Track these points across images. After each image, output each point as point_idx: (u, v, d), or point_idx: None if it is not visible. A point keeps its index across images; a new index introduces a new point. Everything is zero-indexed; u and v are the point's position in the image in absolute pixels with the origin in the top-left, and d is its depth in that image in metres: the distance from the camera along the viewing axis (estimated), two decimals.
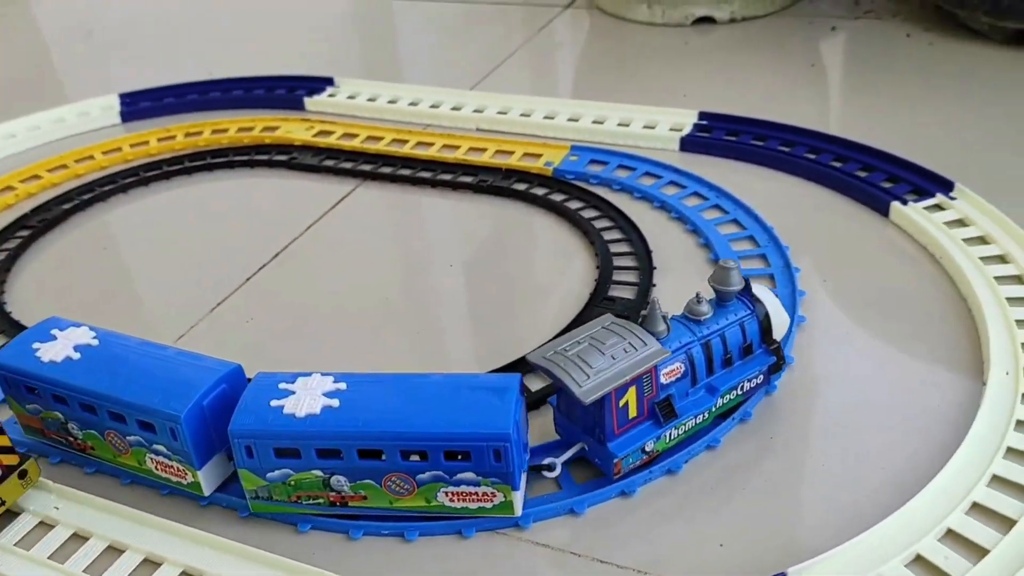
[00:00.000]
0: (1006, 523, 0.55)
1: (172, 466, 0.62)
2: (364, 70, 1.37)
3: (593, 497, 0.61)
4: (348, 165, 1.07)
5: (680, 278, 0.81)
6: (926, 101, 1.06)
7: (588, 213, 0.92)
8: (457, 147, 1.06)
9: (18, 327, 0.83)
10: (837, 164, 0.94)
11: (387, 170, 1.05)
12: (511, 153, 1.04)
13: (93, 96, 1.28)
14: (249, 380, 0.62)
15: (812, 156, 0.96)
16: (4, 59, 1.59)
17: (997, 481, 0.58)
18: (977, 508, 0.56)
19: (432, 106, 1.17)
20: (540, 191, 0.97)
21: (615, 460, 0.59)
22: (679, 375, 0.61)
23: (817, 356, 0.71)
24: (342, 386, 0.59)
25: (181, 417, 0.59)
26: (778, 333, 0.65)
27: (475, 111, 1.14)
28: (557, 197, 0.96)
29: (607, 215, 0.91)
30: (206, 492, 0.63)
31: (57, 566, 0.60)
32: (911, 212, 0.84)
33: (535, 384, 0.70)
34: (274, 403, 0.58)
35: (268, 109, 1.23)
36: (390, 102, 1.19)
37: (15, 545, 0.62)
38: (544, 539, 0.59)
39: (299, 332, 0.82)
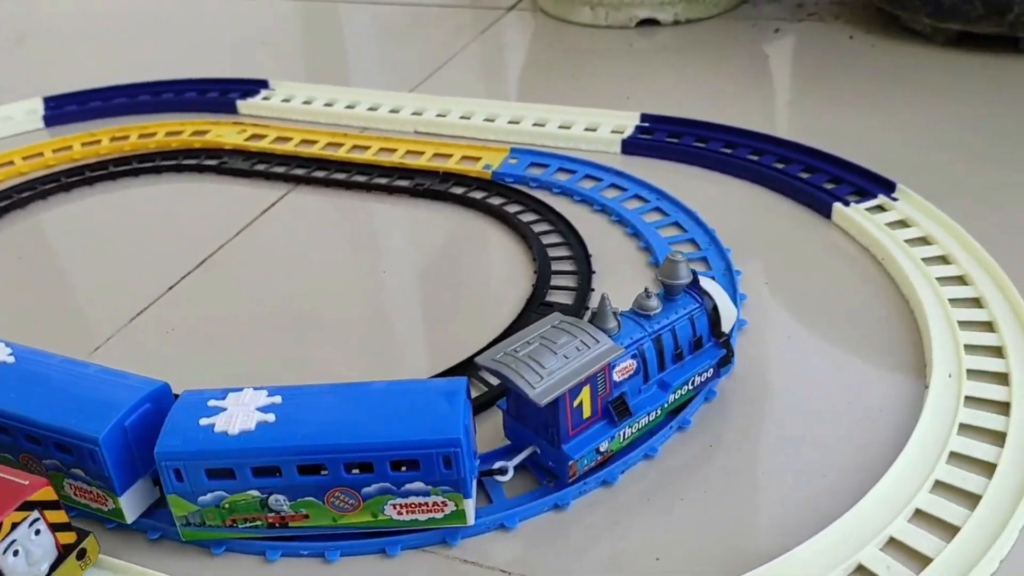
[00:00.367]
0: (950, 530, 0.53)
1: (91, 492, 0.58)
2: (304, 73, 1.34)
3: (525, 511, 0.58)
4: (280, 169, 1.03)
5: (620, 282, 0.79)
6: (868, 103, 1.06)
7: (527, 217, 0.90)
8: (394, 150, 1.03)
9: None
10: (779, 166, 0.93)
11: (321, 174, 1.01)
12: (449, 156, 1.01)
13: (17, 100, 1.23)
14: (177, 397, 0.58)
15: (754, 158, 0.94)
16: None
17: (940, 487, 0.56)
18: (920, 515, 0.54)
19: (370, 109, 1.13)
20: (478, 195, 0.94)
21: (570, 462, 0.57)
22: (631, 372, 0.59)
23: (758, 360, 0.69)
24: (277, 400, 0.56)
25: (100, 439, 0.55)
26: (726, 325, 0.64)
27: (414, 114, 1.11)
28: (496, 201, 0.93)
29: (546, 218, 0.89)
30: (129, 519, 0.58)
31: None
32: (853, 213, 0.83)
33: (476, 390, 0.67)
34: (204, 421, 0.55)
35: (199, 112, 1.18)
36: (326, 105, 1.15)
37: None
38: (473, 556, 0.56)
39: (225, 344, 0.77)
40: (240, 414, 0.55)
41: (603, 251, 0.83)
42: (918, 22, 1.19)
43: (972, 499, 0.55)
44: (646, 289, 0.62)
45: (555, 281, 0.80)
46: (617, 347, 0.57)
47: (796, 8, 1.34)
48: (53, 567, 0.53)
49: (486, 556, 0.56)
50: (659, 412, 0.61)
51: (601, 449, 0.58)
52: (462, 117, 1.08)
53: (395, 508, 0.55)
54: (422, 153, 1.02)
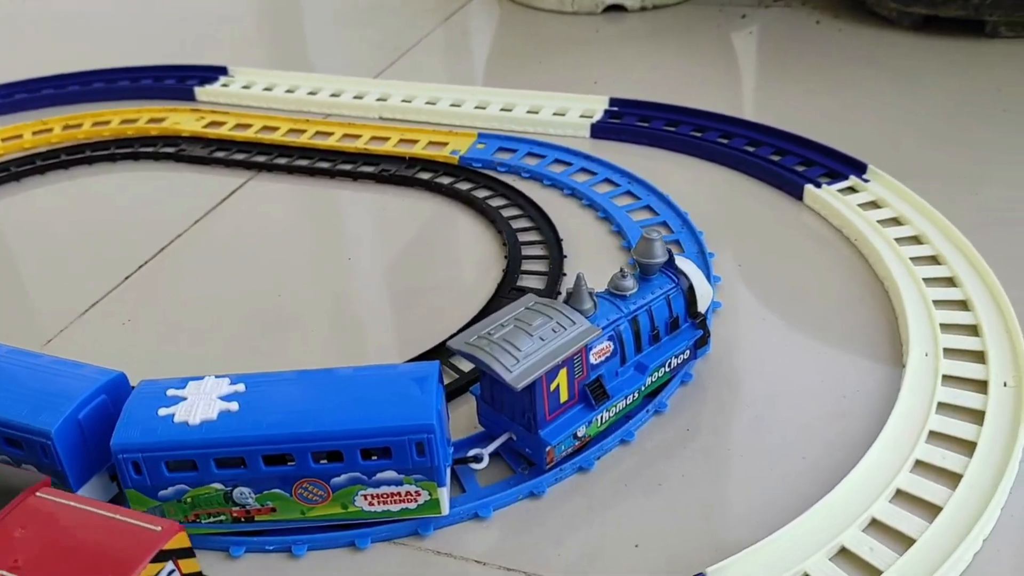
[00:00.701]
0: (932, 510, 0.52)
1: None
2: (264, 59, 1.30)
3: (500, 500, 0.56)
4: (241, 156, 1.00)
5: (592, 266, 0.77)
6: (837, 86, 1.05)
7: (496, 202, 0.88)
8: (359, 136, 1.00)
9: None
10: (750, 149, 0.92)
11: (282, 161, 0.98)
12: (415, 142, 0.98)
13: None
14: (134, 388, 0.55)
15: (725, 141, 0.93)
16: None
17: (921, 466, 0.55)
18: (901, 495, 0.53)
19: (333, 95, 1.11)
20: (446, 180, 0.92)
21: (548, 448, 0.55)
22: (608, 354, 0.58)
23: (734, 343, 0.68)
24: (240, 388, 0.54)
25: (52, 432, 0.52)
26: (703, 305, 0.62)
27: (378, 99, 1.08)
28: (464, 186, 0.91)
29: (515, 203, 0.87)
30: None
31: None
32: (825, 195, 0.82)
33: (447, 377, 0.65)
34: (163, 412, 0.52)
35: (156, 100, 1.15)
36: (288, 91, 1.12)
37: None
38: (447, 548, 0.54)
39: (184, 336, 0.75)
40: (201, 403, 0.53)
41: (574, 235, 0.81)
42: (884, 6, 1.19)
43: (953, 478, 0.54)
44: (621, 269, 0.60)
45: (526, 266, 0.78)
46: (594, 328, 0.56)
47: None
48: None
49: (460, 547, 0.54)
50: (637, 395, 0.60)
51: (579, 434, 0.57)
52: (428, 103, 1.06)
53: (366, 499, 0.53)
54: (388, 139, 0.99)
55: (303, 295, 0.79)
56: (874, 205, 0.80)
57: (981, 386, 0.60)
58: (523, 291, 0.74)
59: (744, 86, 1.10)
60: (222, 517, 0.54)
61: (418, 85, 1.10)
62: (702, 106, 0.99)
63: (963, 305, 0.67)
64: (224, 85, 1.15)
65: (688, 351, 0.62)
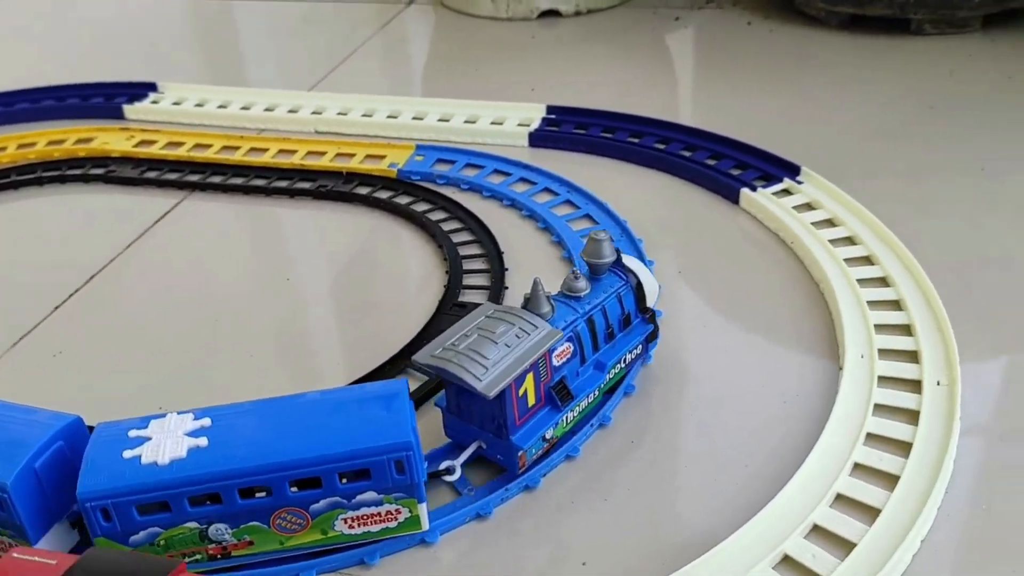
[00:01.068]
0: (871, 513, 0.53)
1: (2, 541, 0.53)
2: (195, 74, 1.28)
3: (446, 523, 0.55)
4: (173, 176, 0.98)
5: (533, 277, 0.77)
6: (769, 87, 1.07)
7: (436, 215, 0.87)
8: (294, 151, 0.99)
9: None
10: (686, 153, 0.92)
11: (217, 179, 0.96)
12: (352, 156, 0.97)
13: None
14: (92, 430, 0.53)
15: (661, 146, 0.94)
16: None
17: (860, 469, 0.56)
18: (841, 499, 0.54)
19: (267, 109, 1.09)
20: (384, 194, 0.91)
21: (520, 453, 0.56)
22: (569, 355, 0.59)
23: (675, 350, 0.68)
24: (206, 422, 0.52)
25: (8, 485, 0.50)
26: (651, 300, 0.64)
27: (314, 113, 1.07)
28: (403, 200, 0.90)
29: (455, 216, 0.86)
30: None
31: None
32: (760, 198, 0.83)
33: None
34: (128, 454, 0.50)
35: (83, 119, 1.12)
36: (220, 107, 1.10)
37: None
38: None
39: (121, 366, 0.73)
40: (168, 442, 0.51)
41: (515, 247, 0.81)
42: (812, 6, 1.21)
43: (891, 480, 0.55)
44: (573, 270, 0.61)
45: (468, 280, 0.77)
46: (556, 331, 0.57)
47: None
48: None
49: (409, 575, 0.53)
50: (597, 393, 0.61)
51: (547, 436, 0.58)
52: (364, 115, 1.05)
53: (346, 522, 0.52)
54: (324, 153, 0.98)
55: (244, 318, 0.77)
56: (808, 207, 0.82)
57: (915, 386, 0.61)
58: (465, 306, 0.74)
59: (680, 89, 1.11)
60: (198, 556, 0.52)
61: (354, 97, 1.08)
62: (639, 111, 0.99)
63: (896, 305, 0.69)
64: (154, 102, 1.13)
65: (640, 346, 0.64)
